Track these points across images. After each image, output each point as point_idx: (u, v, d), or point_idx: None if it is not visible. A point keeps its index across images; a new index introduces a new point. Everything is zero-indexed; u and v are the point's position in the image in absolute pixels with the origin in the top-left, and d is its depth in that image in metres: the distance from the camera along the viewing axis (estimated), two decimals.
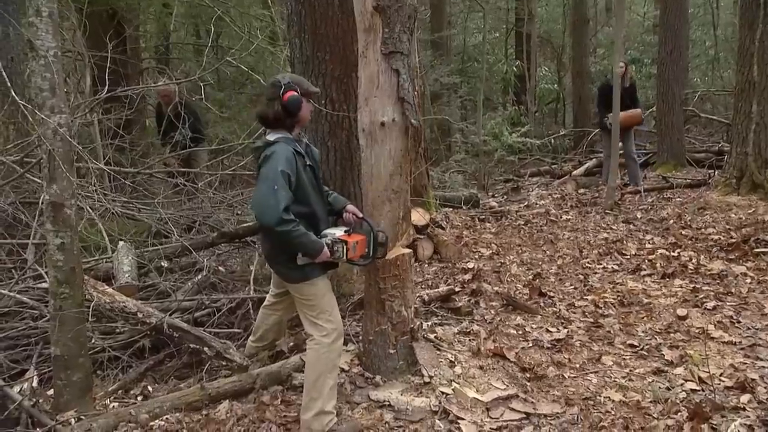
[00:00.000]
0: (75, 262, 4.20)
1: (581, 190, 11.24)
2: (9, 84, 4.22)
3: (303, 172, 3.87)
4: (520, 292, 6.52)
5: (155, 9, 11.09)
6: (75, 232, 4.24)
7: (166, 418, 4.12)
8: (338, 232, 3.97)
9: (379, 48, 4.24)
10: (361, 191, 4.72)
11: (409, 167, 4.63)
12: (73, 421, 3.89)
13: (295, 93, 3.88)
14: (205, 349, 4.78)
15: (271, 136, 3.94)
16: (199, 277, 5.76)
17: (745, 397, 4.38)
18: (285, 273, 4.04)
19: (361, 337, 4.96)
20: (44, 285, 5.31)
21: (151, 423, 4.08)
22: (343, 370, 4.74)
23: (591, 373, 4.86)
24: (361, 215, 4.28)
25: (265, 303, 4.58)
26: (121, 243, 5.82)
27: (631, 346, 5.32)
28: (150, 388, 4.70)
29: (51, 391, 4.36)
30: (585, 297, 6.44)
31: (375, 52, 4.30)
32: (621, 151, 10.83)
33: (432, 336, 5.18)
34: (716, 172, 11.27)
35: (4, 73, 4.17)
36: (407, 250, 4.62)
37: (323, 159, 6.21)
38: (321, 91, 5.93)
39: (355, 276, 5.66)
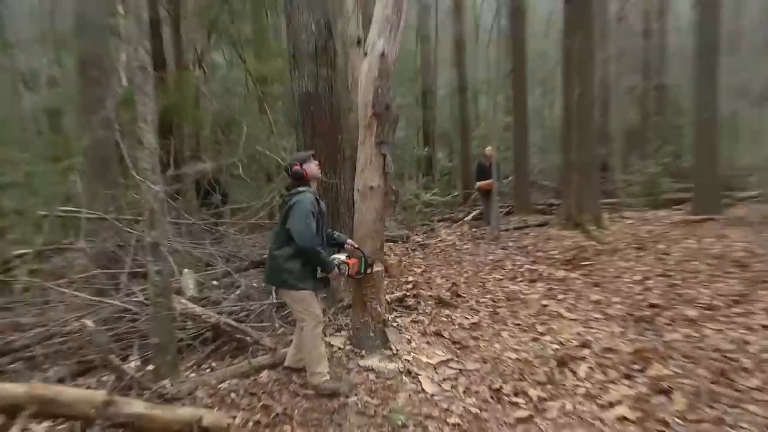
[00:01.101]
0: (166, 282, 4.16)
1: (473, 229, 11.25)
2: (130, 165, 4.22)
3: (316, 213, 3.86)
4: (444, 295, 6.37)
5: (196, 118, 11.00)
6: (166, 262, 4.23)
7: (228, 383, 4.14)
8: (342, 257, 4.00)
9: (373, 139, 4.31)
10: (353, 230, 4.65)
11: (385, 216, 4.65)
12: (168, 385, 3.87)
13: (296, 167, 3.94)
14: (247, 338, 4.74)
15: (295, 191, 3.91)
16: (239, 291, 5.69)
17: (586, 351, 4.67)
18: (283, 284, 3.90)
19: (350, 326, 4.91)
20: (135, 299, 5.22)
21: (219, 385, 4.10)
22: (339, 348, 4.74)
23: (496, 342, 5.00)
24: (357, 246, 4.30)
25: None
26: (185, 270, 5.75)
27: (518, 324, 5.48)
28: (214, 364, 4.63)
29: (150, 367, 4.27)
30: (485, 296, 6.49)
31: (370, 142, 4.36)
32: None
33: (395, 324, 5.22)
34: (553, 217, 11.29)
35: (127, 159, 4.17)
36: (380, 268, 4.62)
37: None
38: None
39: (343, 288, 5.65)
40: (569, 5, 9.56)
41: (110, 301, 5.03)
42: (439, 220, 12.70)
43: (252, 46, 11.79)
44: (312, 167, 4.04)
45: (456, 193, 15.49)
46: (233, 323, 4.90)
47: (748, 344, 4.63)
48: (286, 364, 4.36)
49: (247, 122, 10.80)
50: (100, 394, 3.15)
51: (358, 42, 6.25)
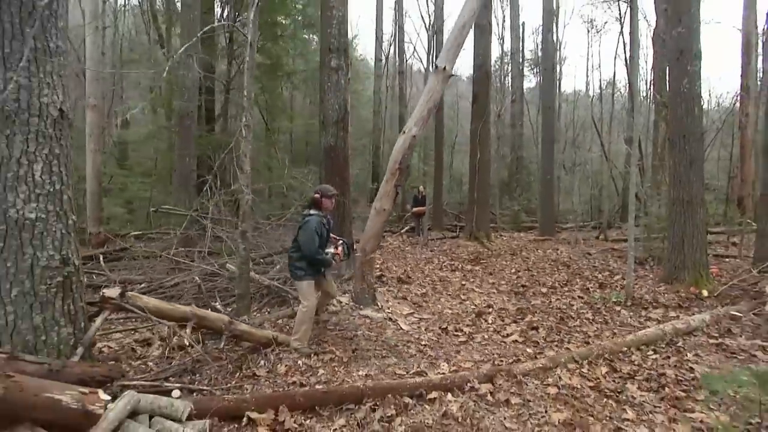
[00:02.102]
0: (247, 255, 4.43)
1: (409, 238, 11.36)
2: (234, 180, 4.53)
3: (322, 230, 3.74)
4: (402, 276, 6.81)
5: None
6: (249, 243, 4.48)
7: (282, 320, 4.49)
8: (332, 249, 3.89)
9: (394, 182, 4.60)
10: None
11: (384, 226, 4.91)
12: (246, 319, 4.11)
13: (317, 195, 3.82)
14: (288, 295, 5.06)
15: (310, 211, 3.79)
16: (278, 266, 5.89)
17: (491, 309, 5.29)
18: (294, 276, 3.80)
19: (352, 291, 5.20)
20: (211, 268, 5.51)
21: (276, 321, 4.45)
22: (346, 303, 5.02)
23: (438, 304, 5.56)
24: (337, 237, 4.08)
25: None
26: None
27: (449, 295, 6.01)
28: (269, 309, 4.92)
29: (229, 309, 4.56)
30: (426, 278, 6.89)
31: (392, 183, 4.61)
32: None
33: (379, 290, 5.57)
34: (460, 233, 11.80)
35: (241, 178, 4.49)
36: (374, 255, 5.06)
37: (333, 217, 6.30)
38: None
39: (345, 269, 5.89)
40: (475, 105, 10.61)
41: (204, 266, 5.25)
42: (384, 231, 13.05)
43: (269, 110, 12.03)
44: (328, 202, 3.85)
45: (394, 214, 15.89)
46: (278, 285, 5.23)
47: (572, 305, 5.53)
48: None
49: (264, 159, 11.04)
50: (226, 317, 3.57)
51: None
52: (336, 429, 2.65)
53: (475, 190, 10.50)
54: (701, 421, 2.69)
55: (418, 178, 16.56)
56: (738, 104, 13.40)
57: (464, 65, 30.59)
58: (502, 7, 19.38)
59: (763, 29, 11.81)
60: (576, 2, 41.35)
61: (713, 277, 6.51)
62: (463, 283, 6.76)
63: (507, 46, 18.86)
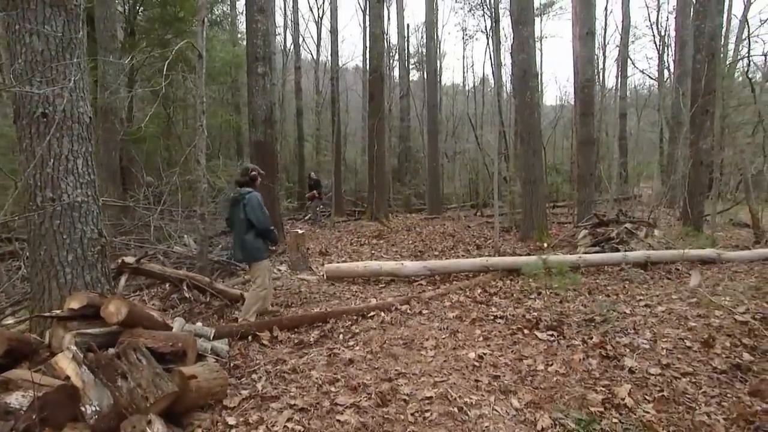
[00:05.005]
0: (206, 234, 5.46)
1: (315, 224, 12.24)
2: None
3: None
4: (321, 251, 8.04)
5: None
6: (206, 224, 5.53)
7: (236, 286, 5.56)
8: None
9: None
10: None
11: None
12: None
13: (254, 173, 4.17)
14: (237, 268, 6.27)
15: (246, 189, 4.07)
16: (220, 245, 6.75)
17: None
18: (254, 259, 4.12)
19: (289, 260, 6.34)
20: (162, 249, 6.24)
21: (234, 286, 5.57)
22: (285, 271, 6.22)
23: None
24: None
25: None
26: (185, 235, 6.73)
27: (363, 260, 7.52)
28: (222, 279, 5.82)
29: None
30: (341, 251, 8.27)
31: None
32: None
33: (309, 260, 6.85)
34: (361, 216, 13.19)
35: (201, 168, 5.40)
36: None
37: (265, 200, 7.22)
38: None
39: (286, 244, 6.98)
40: (372, 103, 12.34)
41: (155, 248, 5.99)
42: (288, 219, 13.59)
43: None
44: (260, 180, 4.32)
45: (296, 203, 16.71)
46: (224, 261, 6.23)
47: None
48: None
49: (164, 153, 11.22)
50: (206, 279, 4.64)
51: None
52: (313, 336, 4.06)
53: (373, 177, 12.19)
54: (530, 306, 4.76)
55: (311, 167, 17.70)
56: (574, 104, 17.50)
57: (349, 58, 32.42)
58: (387, 7, 21.46)
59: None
60: (454, 6, 46.57)
61: (552, 235, 9.26)
62: (373, 252, 8.39)
63: (393, 40, 21.16)
